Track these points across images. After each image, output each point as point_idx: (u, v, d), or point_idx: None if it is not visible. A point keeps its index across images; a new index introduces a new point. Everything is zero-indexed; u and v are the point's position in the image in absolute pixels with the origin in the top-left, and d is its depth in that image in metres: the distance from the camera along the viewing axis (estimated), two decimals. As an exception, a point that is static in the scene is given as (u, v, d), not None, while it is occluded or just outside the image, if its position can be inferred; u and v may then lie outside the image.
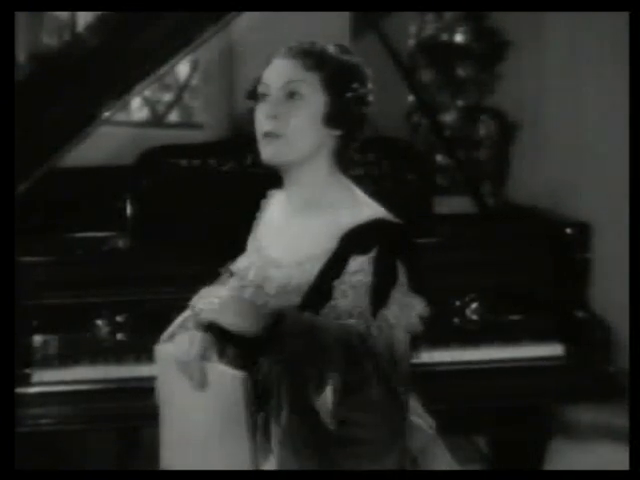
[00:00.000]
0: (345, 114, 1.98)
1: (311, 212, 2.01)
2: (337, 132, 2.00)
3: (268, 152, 1.99)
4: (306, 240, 1.99)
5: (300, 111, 1.97)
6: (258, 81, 2.02)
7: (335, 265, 1.93)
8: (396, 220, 1.98)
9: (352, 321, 1.89)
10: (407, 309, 1.93)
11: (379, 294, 1.91)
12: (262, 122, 1.99)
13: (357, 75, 2.01)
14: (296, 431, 1.84)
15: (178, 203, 3.03)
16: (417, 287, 1.95)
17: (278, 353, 1.86)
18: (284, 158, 1.99)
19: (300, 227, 2.02)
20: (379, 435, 1.86)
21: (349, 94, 1.98)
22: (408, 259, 1.94)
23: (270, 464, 1.89)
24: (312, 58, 1.98)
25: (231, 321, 1.91)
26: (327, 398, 1.82)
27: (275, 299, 1.98)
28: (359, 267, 1.91)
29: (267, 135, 1.98)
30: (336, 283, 1.92)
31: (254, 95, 2.03)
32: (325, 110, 1.98)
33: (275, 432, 1.86)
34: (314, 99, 1.97)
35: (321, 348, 1.85)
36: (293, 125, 1.96)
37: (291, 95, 1.97)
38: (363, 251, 1.92)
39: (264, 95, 2.00)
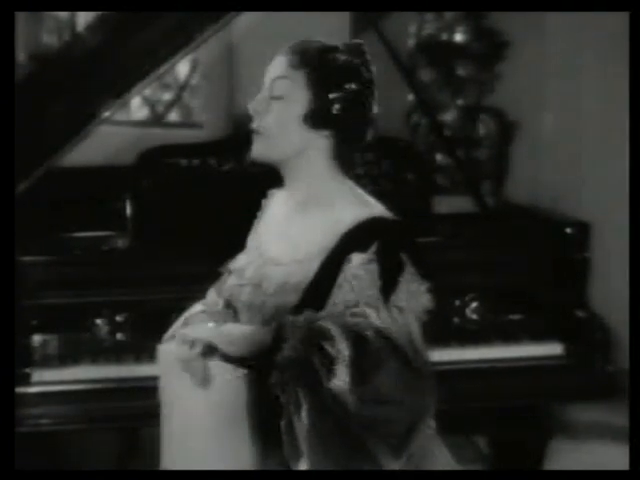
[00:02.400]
0: (327, 113, 1.96)
1: (310, 210, 2.01)
2: (323, 132, 1.98)
3: (254, 149, 2.02)
4: (305, 238, 1.99)
5: (278, 110, 1.96)
6: None
7: (334, 263, 1.93)
8: (395, 218, 1.98)
9: (361, 308, 1.89)
10: (415, 295, 1.93)
11: (387, 280, 1.91)
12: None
13: (352, 76, 1.97)
14: (320, 424, 1.83)
15: (178, 203, 3.03)
16: (424, 274, 1.95)
17: (285, 358, 1.86)
18: (267, 156, 2.01)
19: (299, 225, 2.02)
20: (404, 413, 1.86)
21: (334, 94, 1.96)
22: (411, 252, 1.94)
23: (302, 464, 1.88)
24: (298, 55, 1.97)
25: (230, 350, 1.92)
26: (340, 379, 1.82)
27: (273, 297, 1.98)
28: (362, 261, 1.91)
29: (253, 132, 2.00)
30: (342, 284, 1.91)
31: None
32: (306, 109, 1.96)
33: (300, 431, 1.84)
34: (295, 97, 1.96)
35: (326, 336, 1.84)
36: (270, 123, 1.97)
37: (274, 92, 1.97)
38: (363, 250, 1.91)
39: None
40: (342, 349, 1.82)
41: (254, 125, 1.99)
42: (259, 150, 2.01)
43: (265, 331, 1.93)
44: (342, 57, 1.98)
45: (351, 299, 1.91)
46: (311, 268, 1.95)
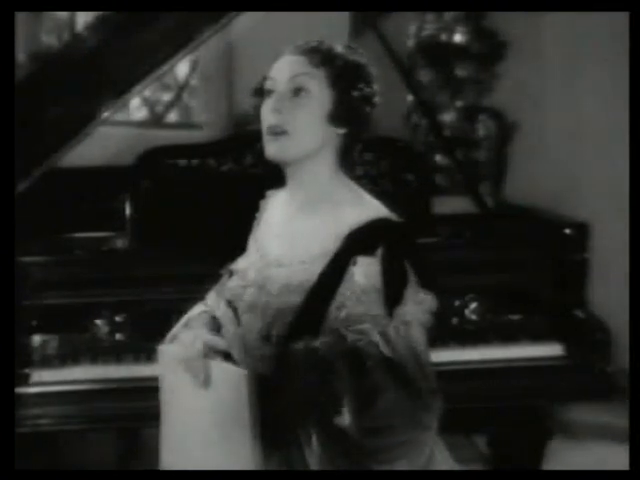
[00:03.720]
0: (350, 112, 1.98)
1: (313, 211, 2.01)
2: (341, 130, 1.99)
3: (272, 148, 1.98)
4: (308, 239, 1.98)
5: (305, 107, 1.96)
6: (265, 78, 2.02)
7: (338, 265, 1.93)
8: (399, 219, 1.98)
9: (366, 326, 1.90)
10: (420, 306, 1.93)
11: (392, 295, 1.91)
12: (267, 116, 1.98)
13: (364, 75, 2.00)
14: (330, 453, 1.86)
15: (178, 203, 3.03)
16: (426, 283, 1.95)
17: (293, 388, 1.87)
18: (288, 154, 1.98)
19: (302, 226, 2.02)
20: (409, 436, 1.88)
21: (355, 92, 1.98)
22: (414, 257, 1.94)
23: None
24: (319, 55, 1.97)
25: None
26: (343, 414, 1.84)
27: (277, 298, 1.98)
28: (367, 270, 1.91)
29: (271, 130, 1.97)
30: (347, 290, 1.91)
31: (260, 92, 2.02)
32: (330, 107, 1.97)
33: (311, 459, 1.88)
34: (320, 95, 1.97)
35: (328, 370, 1.86)
36: (298, 120, 1.95)
37: (297, 90, 1.96)
38: (367, 251, 1.91)
39: (270, 91, 1.99)
40: (343, 383, 1.84)
41: (273, 122, 1.96)
42: (279, 149, 1.97)
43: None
44: (355, 57, 2.01)
45: (357, 312, 1.91)
46: (315, 269, 1.95)
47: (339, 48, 2.01)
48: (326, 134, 1.99)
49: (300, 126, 1.96)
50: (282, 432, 1.90)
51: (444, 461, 2.02)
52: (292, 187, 2.05)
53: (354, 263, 1.92)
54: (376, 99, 2.02)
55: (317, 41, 2.02)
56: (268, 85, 2.00)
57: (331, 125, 1.98)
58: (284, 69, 1.98)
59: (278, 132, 1.96)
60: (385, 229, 1.95)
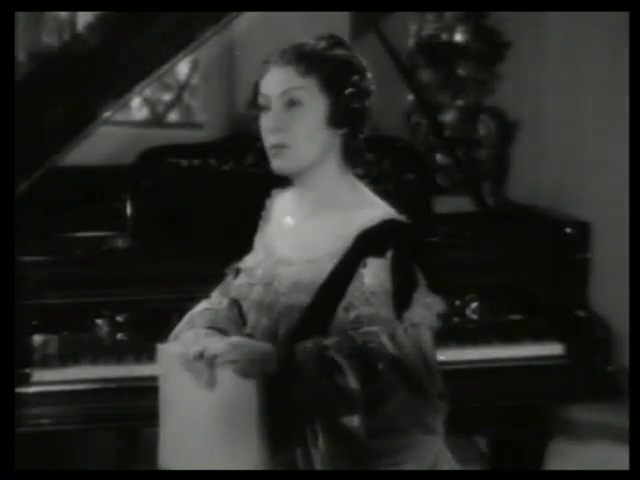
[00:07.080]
0: (347, 111, 1.97)
1: (323, 211, 2.01)
2: (342, 130, 1.99)
3: (278, 164, 1.98)
4: (318, 239, 1.98)
5: (302, 119, 1.95)
6: (256, 88, 2.01)
7: (348, 265, 1.93)
8: (407, 221, 1.98)
9: (374, 328, 1.89)
10: (428, 308, 1.93)
11: (402, 297, 1.91)
12: (267, 135, 1.98)
13: (353, 69, 1.98)
14: (336, 453, 1.86)
15: (178, 203, 3.03)
16: (435, 286, 1.95)
17: (300, 387, 1.86)
18: (295, 167, 1.99)
19: (312, 226, 2.01)
20: (416, 440, 1.88)
21: (348, 90, 1.97)
22: (423, 259, 1.94)
23: None
24: (306, 62, 1.95)
25: (246, 365, 1.87)
26: (351, 414, 1.84)
27: (285, 296, 1.98)
28: (377, 272, 1.90)
29: (274, 148, 1.97)
30: (356, 291, 1.91)
31: (255, 105, 2.02)
32: (327, 111, 1.96)
33: (316, 458, 1.88)
34: (314, 104, 1.96)
35: (337, 370, 1.85)
36: (298, 134, 1.95)
37: (291, 104, 1.95)
38: (377, 252, 1.91)
39: (265, 106, 1.99)
40: (352, 384, 1.83)
41: (275, 141, 1.96)
42: (284, 163, 1.97)
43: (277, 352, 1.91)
44: (339, 52, 1.99)
45: (366, 314, 1.90)
46: (324, 268, 1.95)
47: (321, 44, 1.98)
48: (328, 138, 1.98)
49: (301, 139, 1.95)
50: (288, 431, 1.90)
51: (445, 461, 2.02)
52: (299, 187, 2.05)
53: (364, 265, 1.91)
54: (371, 88, 2.01)
55: (300, 44, 1.99)
56: (261, 100, 1.99)
57: (331, 128, 1.98)
58: (274, 85, 1.97)
59: (281, 149, 1.96)
60: (395, 231, 1.95)
